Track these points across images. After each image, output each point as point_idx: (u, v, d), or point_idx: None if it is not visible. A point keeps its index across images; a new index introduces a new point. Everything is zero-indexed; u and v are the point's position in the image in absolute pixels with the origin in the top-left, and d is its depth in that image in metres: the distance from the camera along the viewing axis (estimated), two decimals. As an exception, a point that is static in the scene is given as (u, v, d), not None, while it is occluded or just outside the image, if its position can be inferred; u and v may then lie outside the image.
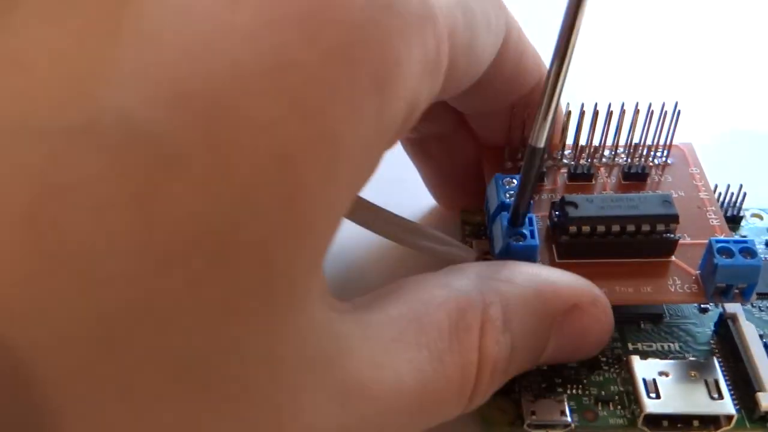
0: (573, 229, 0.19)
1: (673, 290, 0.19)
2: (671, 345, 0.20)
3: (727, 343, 0.20)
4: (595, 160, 0.22)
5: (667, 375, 0.19)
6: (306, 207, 0.11)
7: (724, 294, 0.19)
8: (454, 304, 0.16)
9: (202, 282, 0.10)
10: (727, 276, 0.18)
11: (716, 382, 0.18)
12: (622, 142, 0.22)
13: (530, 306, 0.17)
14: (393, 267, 0.22)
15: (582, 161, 0.22)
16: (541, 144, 0.17)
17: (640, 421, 0.18)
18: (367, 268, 0.22)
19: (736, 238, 0.19)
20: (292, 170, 0.11)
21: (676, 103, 0.21)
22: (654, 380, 0.18)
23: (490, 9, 0.17)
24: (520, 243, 0.18)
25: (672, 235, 0.19)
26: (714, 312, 0.21)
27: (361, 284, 0.22)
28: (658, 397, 0.18)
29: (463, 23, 0.15)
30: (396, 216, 0.19)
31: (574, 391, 0.19)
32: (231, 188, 0.10)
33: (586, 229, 0.19)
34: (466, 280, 0.17)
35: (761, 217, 0.24)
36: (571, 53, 0.16)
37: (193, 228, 0.10)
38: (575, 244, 0.19)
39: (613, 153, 0.22)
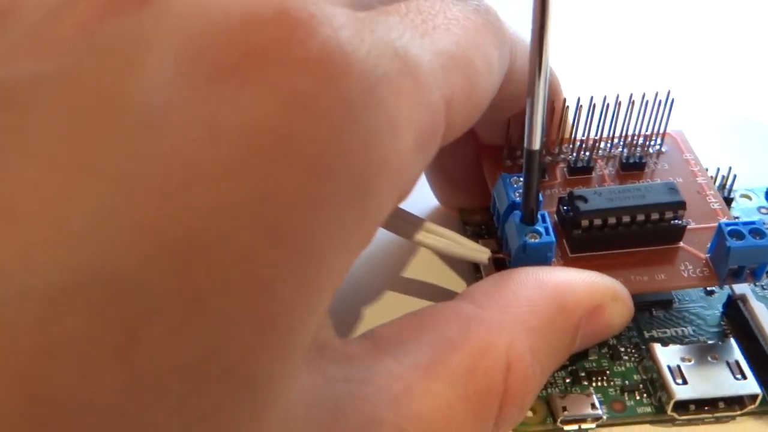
0: (585, 222, 0.19)
1: (686, 275, 0.19)
2: (684, 329, 0.20)
3: (737, 323, 0.20)
4: (592, 153, 0.22)
5: (689, 360, 0.19)
6: (282, 326, 0.12)
7: (736, 276, 0.19)
8: (475, 345, 0.15)
9: (179, 411, 0.11)
10: (739, 258, 0.18)
11: (737, 363, 0.19)
12: (617, 133, 0.22)
13: (556, 325, 0.17)
14: (404, 264, 0.22)
15: (581, 154, 0.22)
16: (536, 146, 0.17)
17: (669, 407, 0.18)
18: (376, 264, 0.22)
19: (744, 220, 0.19)
20: (267, 296, 0.11)
21: (669, 92, 0.21)
22: (678, 366, 0.19)
23: (492, 49, 0.16)
24: (536, 240, 0.18)
25: (680, 222, 0.19)
26: (720, 294, 0.21)
27: (370, 282, 0.22)
28: (685, 382, 0.18)
29: (462, 80, 0.15)
30: (408, 213, 0.19)
31: (598, 383, 0.19)
32: (206, 325, 0.11)
33: (597, 221, 0.19)
34: (486, 313, 0.16)
35: (750, 198, 0.24)
36: (547, 56, 0.16)
37: (169, 365, 0.10)
38: (587, 237, 0.19)
39: (608, 144, 0.22)
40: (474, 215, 0.23)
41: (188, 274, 0.10)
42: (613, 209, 0.19)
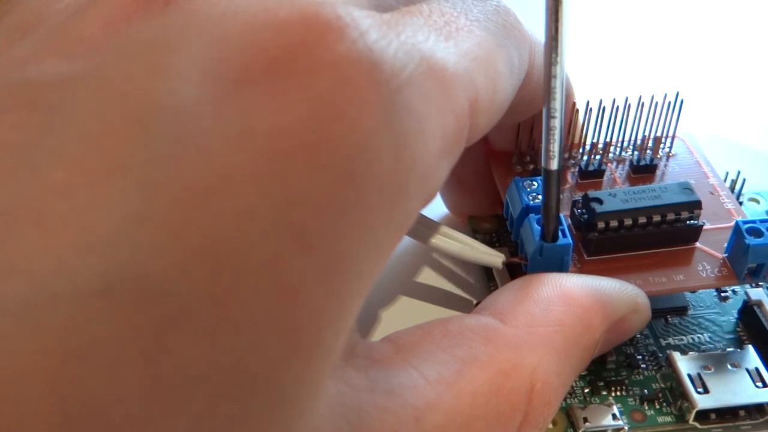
0: (601, 225, 0.18)
1: (704, 276, 0.19)
2: (701, 336, 0.20)
3: (753, 329, 0.20)
4: (603, 156, 0.21)
5: (709, 368, 0.18)
6: (311, 332, 0.11)
7: (755, 274, 0.18)
8: (501, 365, 0.15)
9: (206, 418, 0.10)
10: (759, 255, 0.18)
11: (757, 371, 0.18)
12: (627, 136, 0.21)
13: (581, 344, 0.16)
14: (414, 266, 0.22)
15: (591, 158, 0.21)
16: (554, 166, 0.16)
17: (691, 417, 0.18)
18: (388, 266, 0.22)
19: (761, 217, 0.19)
20: (296, 302, 0.11)
21: (678, 93, 0.21)
22: (699, 375, 0.18)
23: (513, 50, 0.16)
24: (554, 242, 0.18)
25: (696, 222, 0.19)
26: (735, 299, 0.21)
27: (381, 284, 0.21)
28: (706, 391, 0.18)
29: (485, 83, 0.15)
30: (423, 216, 0.18)
31: (617, 392, 0.18)
32: (234, 331, 0.11)
33: (613, 223, 0.18)
34: (512, 331, 0.15)
35: (758, 201, 0.24)
36: (564, 75, 0.15)
37: (196, 371, 0.10)
38: (604, 239, 0.19)
39: (618, 147, 0.22)
40: (483, 223, 0.22)
41: (216, 281, 0.10)
42: (628, 210, 0.18)
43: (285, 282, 0.11)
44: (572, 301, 0.16)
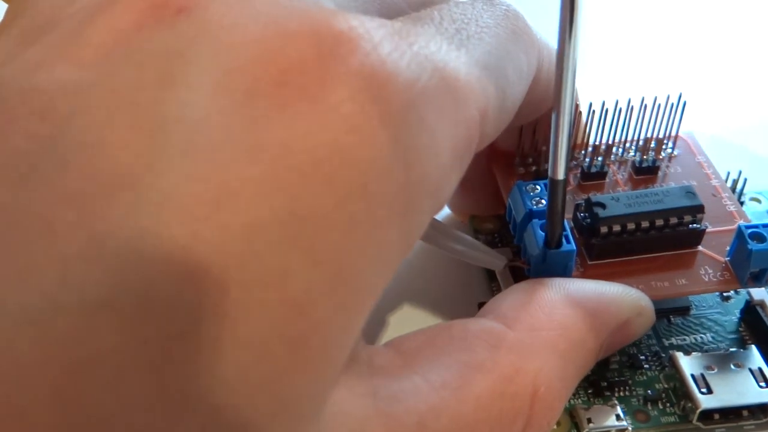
0: (604, 229, 0.19)
1: (706, 279, 0.19)
2: (703, 336, 0.20)
3: (756, 329, 0.20)
4: (605, 158, 0.21)
5: (712, 369, 0.18)
6: (316, 347, 0.11)
7: (757, 279, 0.19)
8: (504, 369, 0.15)
9: (210, 429, 0.11)
10: (762, 260, 0.18)
11: (761, 371, 0.18)
12: (629, 137, 0.21)
13: (585, 347, 0.16)
14: (415, 267, 0.22)
15: (594, 160, 0.21)
16: (561, 176, 0.16)
17: (695, 417, 0.18)
18: None
19: (763, 218, 0.19)
20: (301, 317, 0.11)
21: (681, 94, 0.21)
22: (702, 375, 0.18)
23: (522, 56, 0.16)
24: (557, 249, 0.18)
25: (699, 225, 0.19)
26: (737, 299, 0.21)
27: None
28: (709, 392, 0.18)
29: (495, 91, 0.14)
30: None
31: (621, 393, 0.19)
32: (238, 344, 0.11)
33: (616, 228, 0.19)
34: (515, 335, 0.16)
35: (759, 201, 0.24)
36: (573, 88, 0.15)
37: (201, 383, 0.10)
38: (607, 244, 0.19)
39: (620, 149, 0.22)
40: (485, 223, 0.22)
41: (222, 294, 0.10)
42: (631, 215, 0.19)
43: (292, 296, 0.11)
44: (576, 305, 0.17)
